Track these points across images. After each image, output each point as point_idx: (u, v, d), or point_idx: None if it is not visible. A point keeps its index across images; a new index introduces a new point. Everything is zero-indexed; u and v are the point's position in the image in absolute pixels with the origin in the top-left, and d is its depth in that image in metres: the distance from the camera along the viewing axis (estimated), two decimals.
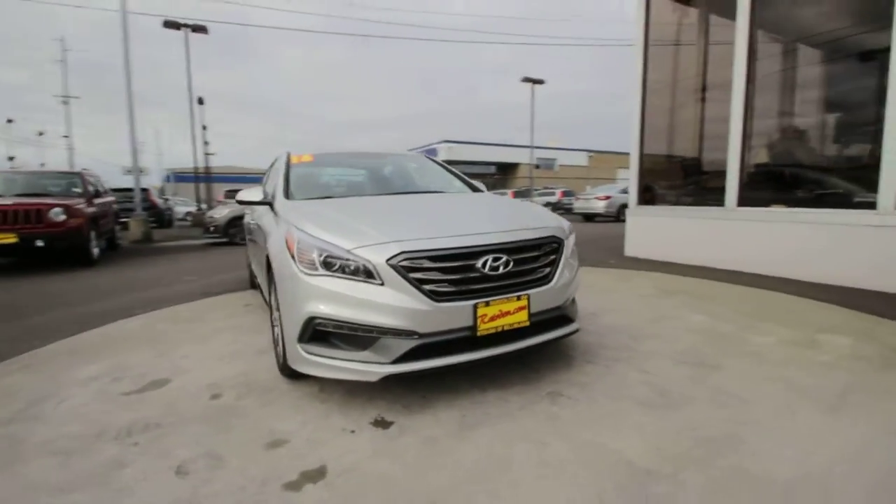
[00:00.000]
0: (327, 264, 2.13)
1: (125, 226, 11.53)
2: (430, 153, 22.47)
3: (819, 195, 4.87)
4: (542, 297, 2.32)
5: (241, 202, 3.25)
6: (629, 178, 6.68)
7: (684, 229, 5.74)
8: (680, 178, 6.40)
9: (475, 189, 3.66)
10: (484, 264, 2.16)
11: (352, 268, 2.10)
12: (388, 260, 2.05)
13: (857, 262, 4.12)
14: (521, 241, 2.31)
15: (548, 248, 2.42)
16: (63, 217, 6.51)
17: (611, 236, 9.17)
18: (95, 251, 7.33)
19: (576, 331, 2.58)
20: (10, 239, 6.22)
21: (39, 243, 6.34)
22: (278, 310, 2.47)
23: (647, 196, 6.47)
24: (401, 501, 1.57)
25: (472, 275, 2.15)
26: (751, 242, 4.98)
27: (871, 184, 4.05)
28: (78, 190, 7.62)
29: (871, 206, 4.05)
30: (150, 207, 15.02)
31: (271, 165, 4.53)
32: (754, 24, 4.99)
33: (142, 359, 3.02)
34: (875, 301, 3.77)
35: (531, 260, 2.33)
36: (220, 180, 23.01)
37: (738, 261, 5.08)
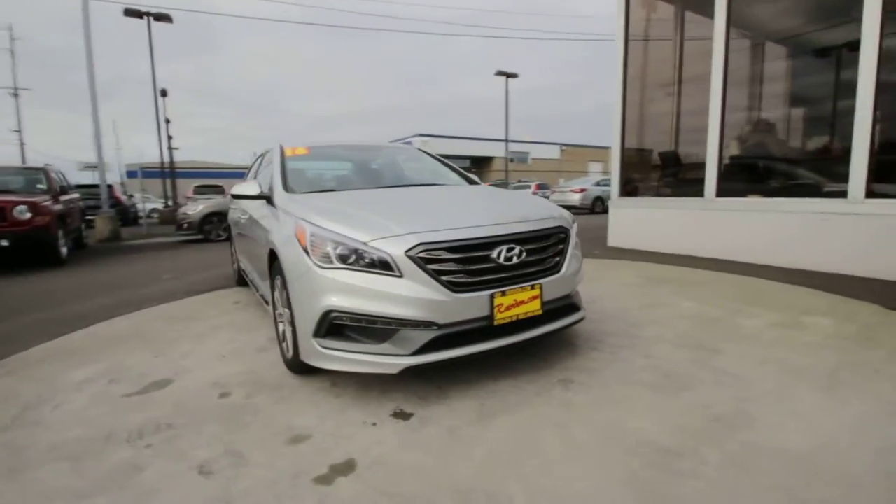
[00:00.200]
0: (343, 257, 2.11)
1: (90, 224, 11.01)
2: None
3: (794, 185, 5.12)
4: (553, 286, 2.37)
5: (236, 196, 3.17)
6: (610, 170, 6.84)
7: (666, 219, 5.92)
8: (660, 170, 6.59)
9: (471, 181, 3.68)
10: (499, 255, 2.19)
11: (369, 260, 2.08)
12: (406, 252, 2.04)
13: (832, 248, 4.36)
14: (532, 231, 2.35)
15: (556, 239, 2.47)
16: (28, 215, 6.18)
17: (591, 227, 9.36)
18: (64, 250, 6.99)
19: (582, 318, 2.65)
20: None
21: (4, 243, 6.00)
22: (287, 306, 2.43)
23: (629, 188, 6.64)
24: (437, 490, 1.59)
25: (488, 265, 2.17)
26: (730, 231, 5.20)
27: (843, 174, 4.28)
28: (42, 186, 7.23)
29: (843, 195, 4.28)
30: (115, 205, 14.38)
31: (258, 159, 4.42)
32: (731, 24, 5.17)
33: (137, 360, 2.92)
34: (851, 285, 4.00)
35: (542, 250, 2.38)
36: (188, 175, 22.20)
37: (719, 249, 5.29)
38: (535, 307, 2.27)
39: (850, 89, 4.20)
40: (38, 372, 2.79)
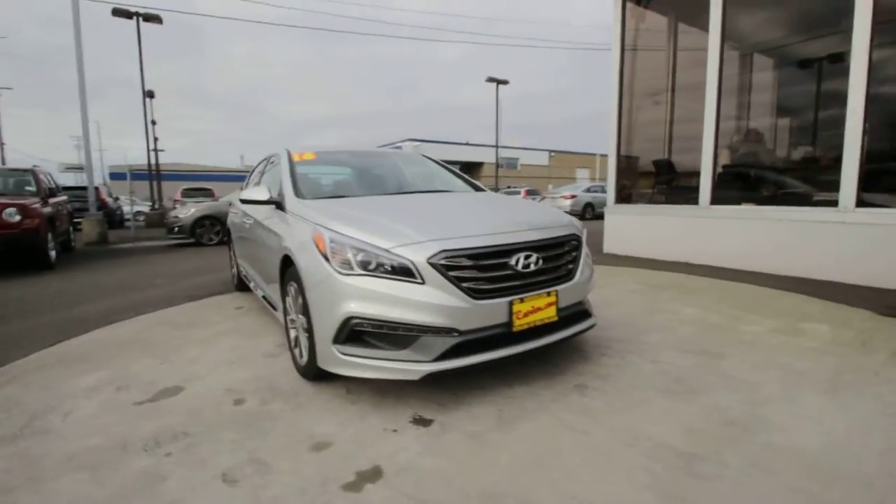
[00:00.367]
0: (364, 264, 2.12)
1: (77, 226, 10.77)
2: None
3: (786, 194, 5.27)
4: (568, 293, 2.41)
5: (245, 201, 3.15)
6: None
7: (661, 226, 6.03)
8: (655, 178, 6.71)
9: (477, 188, 3.71)
10: (517, 262, 2.22)
11: (390, 267, 2.10)
12: (429, 259, 2.06)
13: (823, 255, 4.49)
14: (548, 238, 2.39)
15: (570, 246, 2.51)
16: (18, 217, 6.02)
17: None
18: (53, 254, 6.83)
19: (594, 324, 2.69)
20: None
21: None
22: (302, 312, 2.42)
23: (624, 195, 6.75)
24: (468, 496, 1.60)
25: (506, 272, 2.20)
26: (725, 238, 5.32)
27: (834, 184, 4.42)
28: (32, 189, 7.07)
29: (834, 204, 4.42)
30: (101, 207, 14.09)
31: (263, 163, 4.40)
32: (725, 36, 5.32)
33: (143, 366, 2.88)
34: (841, 291, 4.12)
35: (557, 257, 2.42)
36: (175, 178, 21.88)
37: (714, 256, 5.41)
38: (551, 314, 2.31)
39: (840, 100, 4.35)
40: (40, 379, 2.73)
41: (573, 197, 16.90)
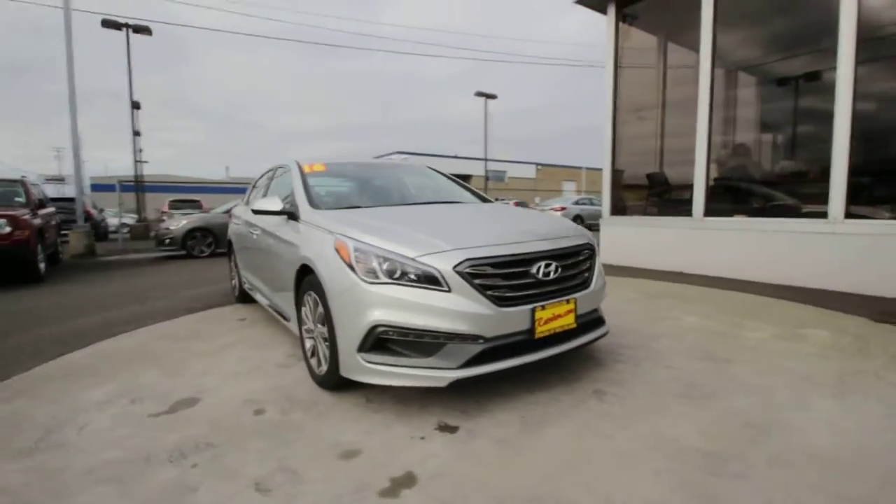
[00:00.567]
0: (390, 272, 2.15)
1: (63, 238, 10.53)
2: None
3: (778, 206, 5.45)
4: (585, 301, 2.46)
5: (257, 212, 3.16)
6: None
7: (656, 238, 6.18)
8: (649, 191, 6.88)
9: (484, 199, 3.78)
10: (537, 270, 2.27)
11: (416, 275, 2.13)
12: (454, 267, 2.10)
13: (815, 265, 4.66)
14: (566, 248, 2.45)
15: (585, 255, 2.58)
16: (8, 229, 5.89)
17: None
18: (42, 266, 6.68)
19: (608, 331, 2.75)
20: None
21: None
22: (323, 321, 2.43)
23: (619, 207, 6.90)
24: (506, 499, 1.62)
25: (528, 280, 2.25)
26: (719, 249, 5.47)
27: (823, 196, 4.61)
28: (21, 199, 6.93)
29: (824, 216, 4.60)
30: (87, 219, 13.82)
31: (267, 174, 4.41)
32: (716, 58, 5.54)
33: (152, 379, 2.83)
34: (833, 299, 4.27)
35: (574, 266, 2.48)
36: (161, 190, 21.61)
37: (708, 266, 5.55)
38: (570, 320, 2.36)
39: (828, 116, 4.55)
40: (48, 392, 2.67)
41: (563, 209, 17.13)
